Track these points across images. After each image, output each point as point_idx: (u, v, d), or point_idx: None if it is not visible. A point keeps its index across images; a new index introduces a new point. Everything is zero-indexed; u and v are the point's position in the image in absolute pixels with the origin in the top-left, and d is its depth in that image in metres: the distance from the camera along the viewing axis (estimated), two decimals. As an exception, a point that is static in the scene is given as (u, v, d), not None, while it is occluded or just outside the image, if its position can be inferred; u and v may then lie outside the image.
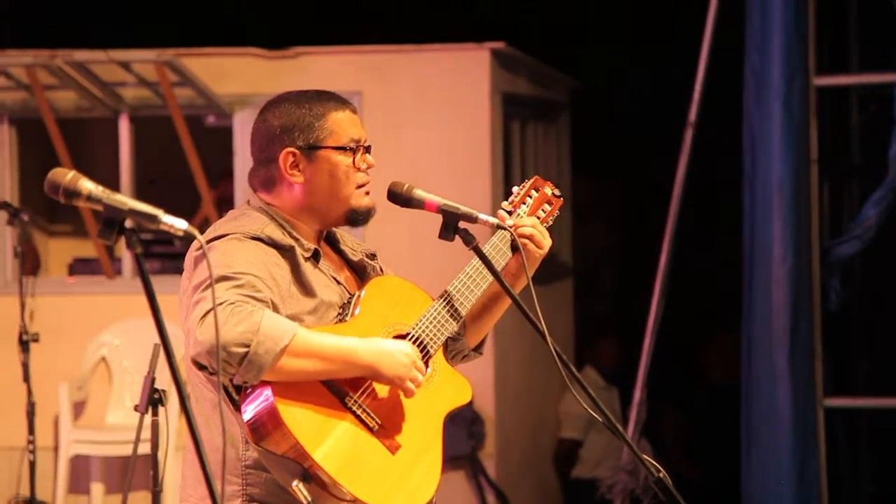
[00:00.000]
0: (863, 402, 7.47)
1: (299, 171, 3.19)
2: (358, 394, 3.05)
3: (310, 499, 2.95)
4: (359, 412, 3.04)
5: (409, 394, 3.06)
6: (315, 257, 3.21)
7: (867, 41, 7.80)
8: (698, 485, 9.03)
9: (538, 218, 3.39)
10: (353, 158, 3.20)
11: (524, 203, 3.42)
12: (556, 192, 3.47)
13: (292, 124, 3.19)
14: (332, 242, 3.34)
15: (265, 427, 2.96)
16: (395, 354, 3.04)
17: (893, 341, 7.66)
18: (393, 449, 3.06)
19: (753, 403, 7.12)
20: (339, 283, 3.23)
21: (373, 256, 3.39)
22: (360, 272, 3.34)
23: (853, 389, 7.49)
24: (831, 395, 7.08)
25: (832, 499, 7.01)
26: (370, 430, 3.05)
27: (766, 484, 7.08)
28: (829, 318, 7.11)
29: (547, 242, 3.34)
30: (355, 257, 3.34)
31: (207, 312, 2.92)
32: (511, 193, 3.45)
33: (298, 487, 2.95)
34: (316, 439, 2.96)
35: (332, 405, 3.02)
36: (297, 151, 3.19)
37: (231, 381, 3.00)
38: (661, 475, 3.00)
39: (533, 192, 3.44)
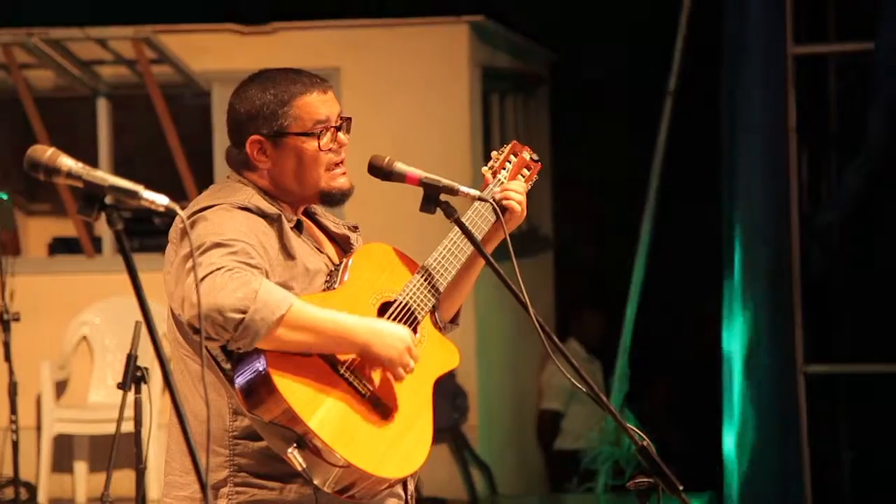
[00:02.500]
0: (842, 368, 7.51)
1: (266, 156, 3.20)
2: (350, 361, 3.07)
3: (305, 465, 2.96)
4: (351, 379, 3.06)
5: (398, 378, 3.07)
6: (298, 228, 3.22)
7: (845, 10, 7.81)
8: (682, 452, 9.07)
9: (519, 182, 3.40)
10: (319, 142, 3.19)
11: (504, 168, 3.42)
12: (535, 156, 3.47)
13: (256, 112, 3.18)
14: (312, 216, 3.35)
15: (258, 394, 2.97)
16: (390, 338, 3.04)
17: (872, 308, 7.70)
18: (385, 415, 3.08)
19: (735, 371, 7.15)
20: (322, 252, 3.24)
21: (355, 228, 3.40)
22: (344, 243, 3.34)
23: (833, 356, 7.53)
24: (811, 362, 7.12)
25: (813, 464, 7.06)
26: (362, 396, 3.06)
27: (749, 450, 7.12)
28: (809, 285, 7.14)
29: (525, 211, 3.36)
30: (338, 230, 3.35)
31: (205, 276, 2.93)
32: (490, 160, 3.45)
33: (293, 454, 2.96)
34: (310, 407, 2.97)
35: (324, 372, 3.03)
36: (262, 139, 3.19)
37: (224, 347, 3.01)
38: (644, 443, 3.00)
39: (512, 156, 3.45)
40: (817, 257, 7.26)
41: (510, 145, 3.46)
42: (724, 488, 7.25)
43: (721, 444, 7.36)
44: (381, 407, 3.08)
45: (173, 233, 3.16)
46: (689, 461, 8.74)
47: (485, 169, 3.42)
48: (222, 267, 2.94)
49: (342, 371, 3.05)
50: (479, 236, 3.28)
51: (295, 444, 2.96)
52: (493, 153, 3.44)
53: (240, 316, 2.90)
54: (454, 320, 3.42)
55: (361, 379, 3.07)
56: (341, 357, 3.06)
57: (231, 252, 2.98)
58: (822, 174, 7.81)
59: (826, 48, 7.63)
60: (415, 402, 3.12)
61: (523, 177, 3.43)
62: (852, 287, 7.71)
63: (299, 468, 2.96)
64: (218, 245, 2.99)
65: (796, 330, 7.02)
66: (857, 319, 7.72)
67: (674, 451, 8.45)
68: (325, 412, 2.98)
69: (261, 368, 2.96)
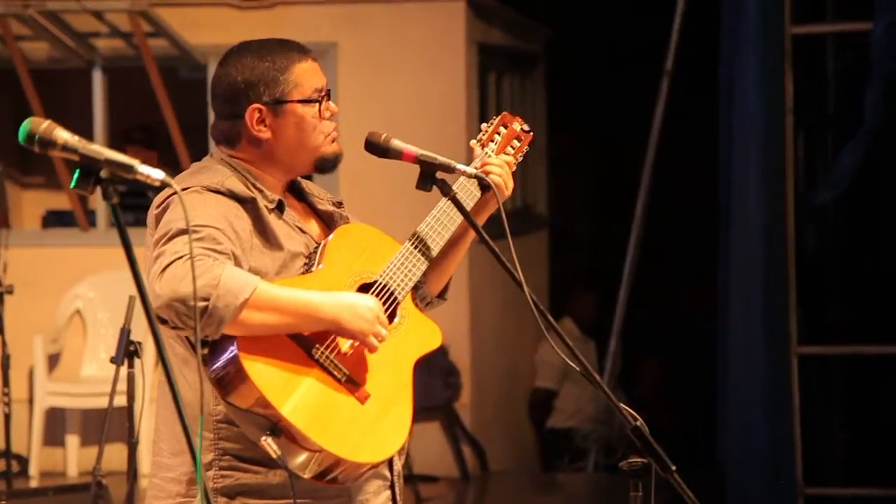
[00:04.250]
0: (835, 350, 7.51)
1: (266, 126, 3.16)
2: (325, 345, 3.03)
3: (279, 453, 2.91)
4: (326, 363, 3.01)
5: (371, 349, 3.03)
6: (279, 208, 3.18)
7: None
8: (675, 432, 9.08)
9: (507, 154, 3.36)
10: (319, 109, 3.18)
11: (492, 140, 3.38)
12: (525, 127, 3.41)
13: (257, 79, 3.15)
14: (298, 192, 3.32)
15: (231, 382, 2.93)
16: (358, 308, 3.01)
17: (866, 289, 7.70)
18: (362, 399, 3.03)
19: (729, 351, 7.16)
20: (304, 232, 3.21)
21: (339, 204, 3.36)
22: (329, 221, 3.31)
23: (826, 337, 7.53)
24: (805, 343, 7.12)
25: (805, 445, 7.07)
26: (338, 381, 3.02)
27: (742, 431, 7.13)
28: (804, 266, 7.14)
29: (511, 183, 3.32)
30: (322, 206, 3.32)
31: (167, 266, 2.90)
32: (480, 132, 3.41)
33: (267, 442, 2.91)
34: (283, 393, 2.93)
35: (298, 358, 2.98)
36: (263, 107, 3.16)
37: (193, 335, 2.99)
38: (637, 423, 2.99)
39: (501, 128, 3.39)
40: (812, 238, 7.25)
41: (500, 117, 3.41)
42: (717, 469, 7.26)
43: (714, 425, 7.37)
44: (358, 391, 3.03)
45: (149, 219, 3.13)
46: (682, 441, 8.76)
47: (473, 142, 3.37)
48: (185, 254, 2.90)
49: (316, 355, 3.01)
50: (469, 205, 3.25)
51: (269, 432, 2.93)
52: (483, 125, 3.40)
53: (203, 304, 2.86)
54: (442, 295, 3.38)
55: (336, 362, 3.02)
56: (315, 341, 3.02)
57: (197, 239, 2.94)
58: (818, 155, 7.80)
59: (824, 28, 7.61)
60: (393, 385, 3.08)
61: (513, 148, 3.38)
62: (847, 268, 7.71)
63: (273, 455, 2.91)
64: (184, 231, 2.96)
65: (790, 311, 7.01)
66: (851, 301, 7.72)
67: (666, 432, 8.46)
68: (298, 398, 2.94)
69: (232, 357, 2.92)
